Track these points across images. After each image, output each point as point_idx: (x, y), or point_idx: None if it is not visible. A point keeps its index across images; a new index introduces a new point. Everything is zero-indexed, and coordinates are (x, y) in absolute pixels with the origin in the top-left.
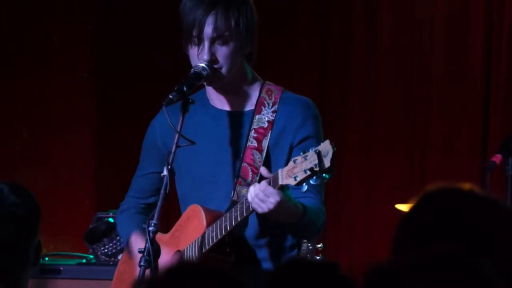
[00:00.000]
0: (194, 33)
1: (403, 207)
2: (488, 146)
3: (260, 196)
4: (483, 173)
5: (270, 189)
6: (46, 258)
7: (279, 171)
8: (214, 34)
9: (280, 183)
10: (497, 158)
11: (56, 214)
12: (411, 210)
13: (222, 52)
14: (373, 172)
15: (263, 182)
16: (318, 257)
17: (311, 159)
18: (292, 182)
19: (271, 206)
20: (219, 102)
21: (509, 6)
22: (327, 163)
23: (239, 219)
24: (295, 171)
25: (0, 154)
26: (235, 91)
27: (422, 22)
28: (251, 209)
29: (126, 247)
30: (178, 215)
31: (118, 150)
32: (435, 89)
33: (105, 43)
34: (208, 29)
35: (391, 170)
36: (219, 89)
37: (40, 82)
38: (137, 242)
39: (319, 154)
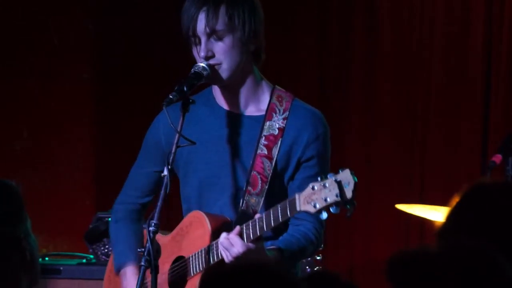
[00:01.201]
0: (190, 32)
1: (403, 207)
2: (488, 146)
3: (224, 244)
4: (483, 173)
5: (236, 239)
6: (46, 258)
7: (296, 196)
8: (207, 30)
9: (298, 209)
10: (497, 158)
11: (56, 214)
12: (456, 206)
13: (218, 47)
14: (373, 172)
15: (235, 230)
16: (318, 257)
17: (331, 188)
18: (311, 209)
19: (233, 255)
20: (225, 102)
21: (509, 6)
22: (349, 194)
23: (251, 238)
24: (313, 198)
25: (0, 154)
26: (241, 91)
27: (422, 23)
28: (265, 229)
29: (115, 269)
30: (178, 215)
31: (118, 150)
32: (435, 89)
33: (105, 43)
34: (200, 25)
35: (391, 170)
36: (226, 89)
37: (40, 82)
38: (131, 280)
39: (339, 184)
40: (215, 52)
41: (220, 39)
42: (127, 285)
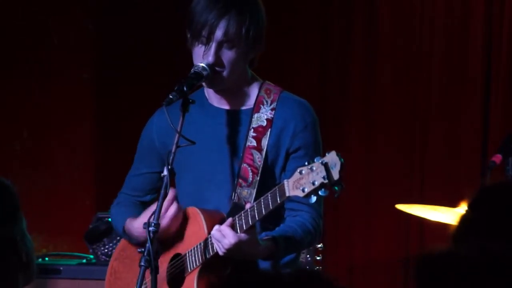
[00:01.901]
0: (204, 34)
1: (403, 207)
2: (488, 146)
3: (216, 236)
4: (483, 173)
5: (227, 231)
6: (46, 258)
7: (285, 182)
8: (224, 38)
9: (287, 194)
10: (497, 158)
11: (56, 214)
12: (470, 205)
13: (227, 56)
14: (373, 172)
15: (226, 222)
16: (318, 257)
17: (318, 171)
18: (300, 193)
19: (226, 246)
20: (217, 100)
21: (509, 6)
22: (335, 175)
23: (244, 228)
24: (302, 182)
25: (0, 154)
26: (234, 90)
27: (422, 22)
28: (257, 218)
29: (123, 235)
30: None
31: (118, 150)
32: (435, 89)
33: (105, 43)
34: (218, 33)
35: (391, 170)
36: (218, 89)
37: (40, 82)
38: (132, 222)
39: (326, 166)
40: (222, 59)
41: (231, 48)
42: (130, 230)
